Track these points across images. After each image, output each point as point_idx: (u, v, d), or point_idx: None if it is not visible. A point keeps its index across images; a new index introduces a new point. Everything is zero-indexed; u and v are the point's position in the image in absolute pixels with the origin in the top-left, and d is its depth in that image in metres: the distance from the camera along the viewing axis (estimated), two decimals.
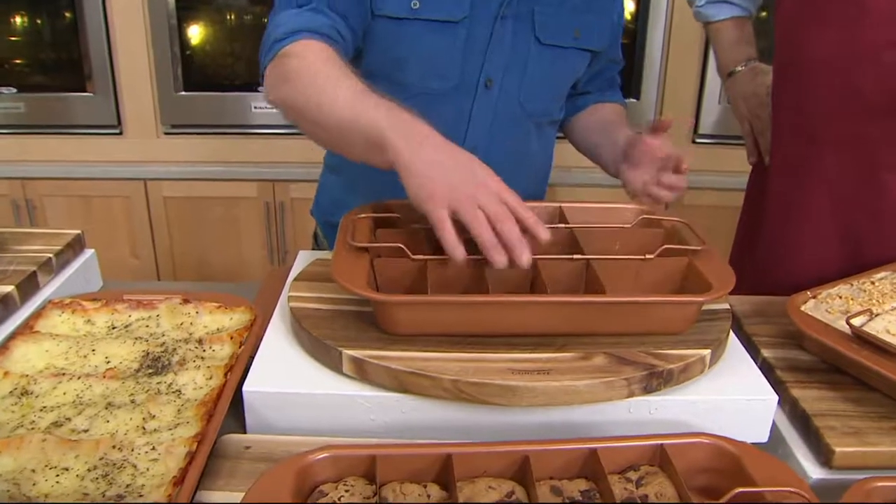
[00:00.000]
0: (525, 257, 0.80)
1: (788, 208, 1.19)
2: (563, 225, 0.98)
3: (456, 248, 0.80)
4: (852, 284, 0.99)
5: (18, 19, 2.28)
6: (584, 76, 1.25)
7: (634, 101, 2.30)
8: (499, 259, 0.80)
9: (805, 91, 1.12)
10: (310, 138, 0.99)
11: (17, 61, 2.33)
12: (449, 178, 0.81)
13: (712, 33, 1.37)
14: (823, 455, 0.77)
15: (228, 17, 2.30)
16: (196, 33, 2.29)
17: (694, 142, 2.34)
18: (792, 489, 0.62)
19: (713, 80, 2.26)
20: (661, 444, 0.69)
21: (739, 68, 1.33)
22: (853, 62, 1.05)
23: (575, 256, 0.90)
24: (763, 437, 0.82)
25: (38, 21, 2.29)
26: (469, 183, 0.81)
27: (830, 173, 1.12)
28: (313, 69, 0.94)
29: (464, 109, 1.14)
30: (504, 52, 1.12)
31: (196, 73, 2.30)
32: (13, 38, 2.31)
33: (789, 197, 1.19)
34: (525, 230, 0.82)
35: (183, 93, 2.31)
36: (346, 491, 0.65)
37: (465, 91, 1.13)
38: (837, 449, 0.75)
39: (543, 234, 0.83)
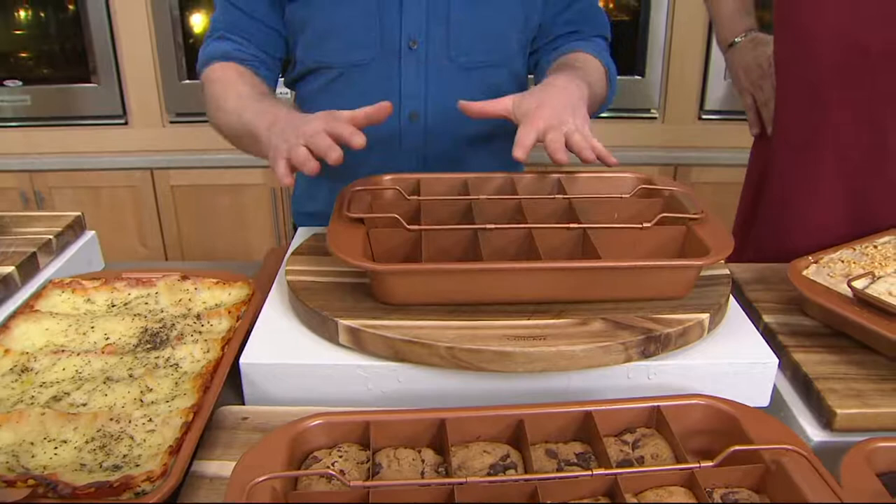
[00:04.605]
0: (332, 154, 0.86)
1: (793, 176, 1.17)
2: (560, 195, 0.97)
3: (282, 173, 0.89)
4: (854, 249, 0.97)
5: (22, 13, 2.30)
6: (548, 24, 1.20)
7: (639, 78, 2.28)
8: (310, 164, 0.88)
9: (808, 52, 1.10)
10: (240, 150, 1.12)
11: (23, 55, 2.35)
12: (279, 140, 0.92)
13: (712, 5, 1.35)
14: (825, 417, 0.76)
15: None
16: (198, 21, 2.30)
17: (700, 118, 2.32)
18: (790, 447, 0.62)
19: (718, 55, 2.23)
20: (657, 406, 0.69)
21: (739, 39, 1.31)
22: (857, 19, 1.03)
23: (571, 225, 0.90)
24: (764, 401, 0.81)
25: (42, 14, 2.30)
26: (291, 134, 0.90)
27: (836, 137, 1.10)
28: (214, 92, 1.11)
29: (392, 76, 1.14)
30: (421, 8, 1.11)
31: None
32: (18, 32, 2.33)
33: (795, 164, 1.16)
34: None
35: (187, 81, 2.31)
36: (340, 457, 0.65)
37: (389, 57, 1.13)
38: (839, 411, 0.74)
39: (358, 139, 0.87)
